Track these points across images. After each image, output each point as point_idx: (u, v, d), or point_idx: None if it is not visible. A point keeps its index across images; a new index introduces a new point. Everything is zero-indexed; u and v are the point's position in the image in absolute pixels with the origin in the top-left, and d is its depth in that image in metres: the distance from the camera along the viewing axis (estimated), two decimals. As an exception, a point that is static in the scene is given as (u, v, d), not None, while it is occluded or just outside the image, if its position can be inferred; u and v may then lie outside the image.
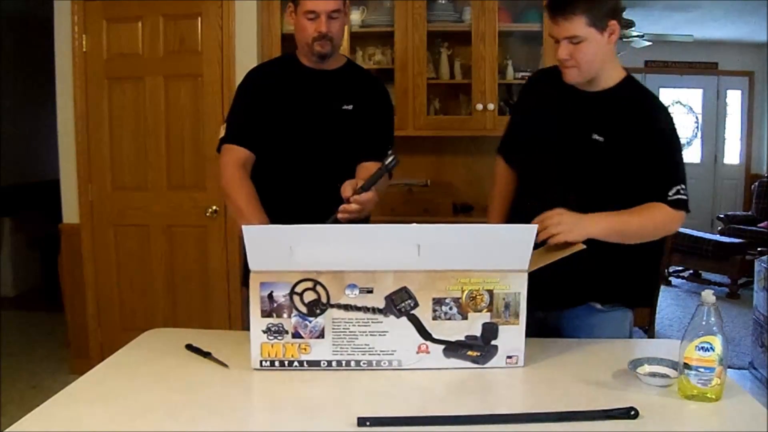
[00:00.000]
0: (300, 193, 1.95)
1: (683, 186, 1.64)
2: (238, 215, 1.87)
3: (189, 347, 1.57)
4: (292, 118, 1.97)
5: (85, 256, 3.59)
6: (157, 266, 3.54)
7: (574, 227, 1.55)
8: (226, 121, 2.06)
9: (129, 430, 1.21)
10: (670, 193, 1.62)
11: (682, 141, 9.79)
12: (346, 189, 1.70)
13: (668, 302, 5.40)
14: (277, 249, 1.40)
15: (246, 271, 1.97)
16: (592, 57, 1.62)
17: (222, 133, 2.02)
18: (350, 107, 1.98)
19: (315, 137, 1.97)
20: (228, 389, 1.38)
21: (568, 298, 1.71)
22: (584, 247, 1.56)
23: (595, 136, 1.67)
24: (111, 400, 1.32)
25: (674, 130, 1.70)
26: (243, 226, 1.43)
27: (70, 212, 3.63)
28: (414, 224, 1.41)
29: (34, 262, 5.41)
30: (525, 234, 1.42)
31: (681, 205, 1.63)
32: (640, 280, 1.79)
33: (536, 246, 1.48)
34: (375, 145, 1.96)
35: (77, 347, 3.68)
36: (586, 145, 1.68)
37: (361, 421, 1.19)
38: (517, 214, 1.81)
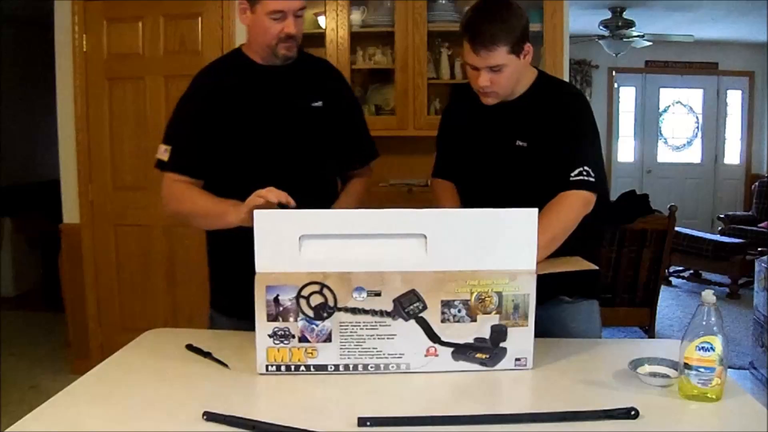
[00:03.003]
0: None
1: (586, 167, 1.65)
2: (203, 216, 1.71)
3: (189, 347, 1.57)
4: (257, 125, 1.78)
5: (85, 256, 3.59)
6: (157, 266, 3.54)
7: None
8: (168, 140, 1.79)
9: (129, 430, 1.21)
10: (572, 174, 1.65)
11: (683, 141, 9.64)
12: None
13: (668, 302, 5.39)
14: (286, 237, 1.38)
15: (215, 291, 1.91)
16: (510, 80, 1.70)
17: (162, 154, 1.77)
18: (320, 104, 1.82)
19: (284, 141, 1.79)
20: (228, 389, 1.38)
21: (540, 295, 1.74)
22: (596, 267, 1.59)
23: (519, 142, 1.73)
24: (111, 400, 1.32)
25: (581, 114, 1.73)
26: (255, 211, 1.39)
27: (71, 212, 3.63)
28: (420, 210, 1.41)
29: (34, 262, 5.41)
30: (527, 218, 1.42)
31: (584, 185, 1.65)
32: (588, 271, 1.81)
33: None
34: (363, 146, 1.93)
35: (77, 347, 3.68)
36: (512, 153, 1.74)
37: (362, 421, 1.19)
38: None
